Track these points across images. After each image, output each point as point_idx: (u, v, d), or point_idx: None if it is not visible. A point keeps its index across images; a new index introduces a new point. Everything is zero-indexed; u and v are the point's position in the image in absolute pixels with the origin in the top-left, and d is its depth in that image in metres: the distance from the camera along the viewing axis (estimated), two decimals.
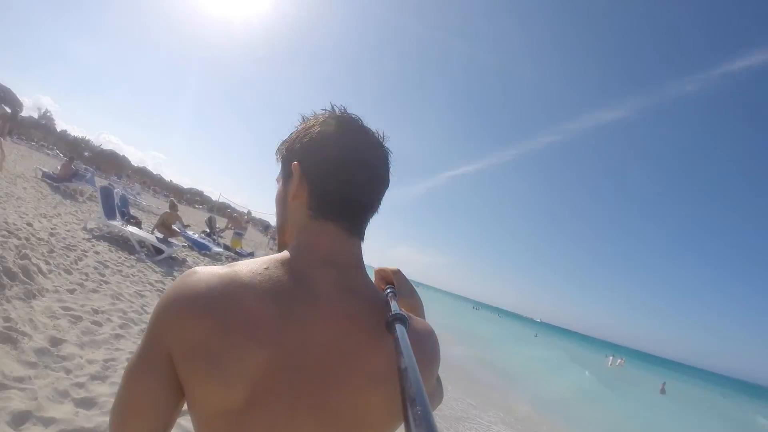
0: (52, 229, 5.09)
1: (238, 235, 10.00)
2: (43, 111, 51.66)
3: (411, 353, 0.32)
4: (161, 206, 15.86)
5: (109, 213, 6.30)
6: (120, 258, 5.04)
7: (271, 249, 23.68)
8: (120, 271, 4.44)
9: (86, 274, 3.84)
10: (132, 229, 6.08)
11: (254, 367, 0.39)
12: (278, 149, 0.54)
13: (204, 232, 9.38)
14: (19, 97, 20.36)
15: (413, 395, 0.27)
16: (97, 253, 4.82)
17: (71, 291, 3.28)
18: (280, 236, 0.55)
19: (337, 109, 0.52)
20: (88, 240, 5.35)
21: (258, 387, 0.40)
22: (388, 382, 0.41)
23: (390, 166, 0.52)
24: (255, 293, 0.41)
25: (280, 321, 0.41)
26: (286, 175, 0.52)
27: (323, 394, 0.41)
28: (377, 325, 0.43)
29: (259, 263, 0.45)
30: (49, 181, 9.73)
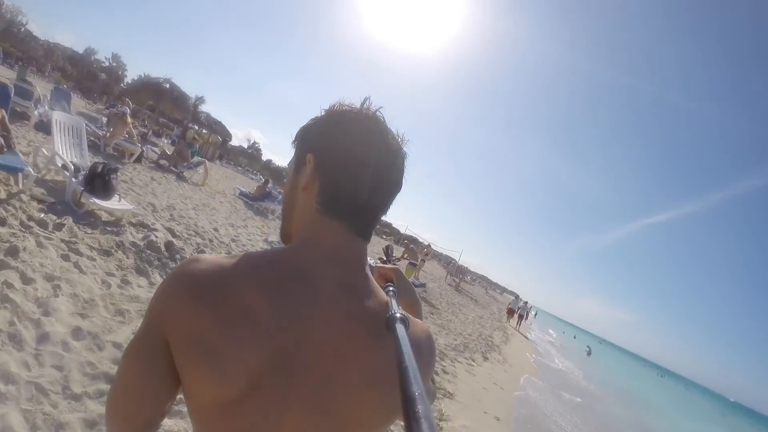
0: (235, 236, 8.18)
1: (412, 266, 12.28)
2: (251, 142, 78.96)
3: (411, 353, 0.48)
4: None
5: None
6: None
7: (449, 285, 25.92)
8: None
9: None
10: None
11: (251, 363, 0.61)
12: (296, 135, 0.82)
13: (380, 258, 12.27)
14: (231, 129, 30.71)
15: (413, 394, 0.39)
16: None
17: None
18: (284, 224, 0.85)
19: (363, 105, 0.78)
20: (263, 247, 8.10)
21: (254, 382, 0.62)
22: (385, 382, 0.65)
23: (405, 170, 0.79)
24: (256, 288, 0.64)
25: (280, 318, 0.63)
26: (298, 164, 0.79)
27: (319, 391, 0.65)
28: (378, 324, 0.66)
29: (262, 257, 0.70)
30: (244, 198, 14.43)
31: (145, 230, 5.70)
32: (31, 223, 4.46)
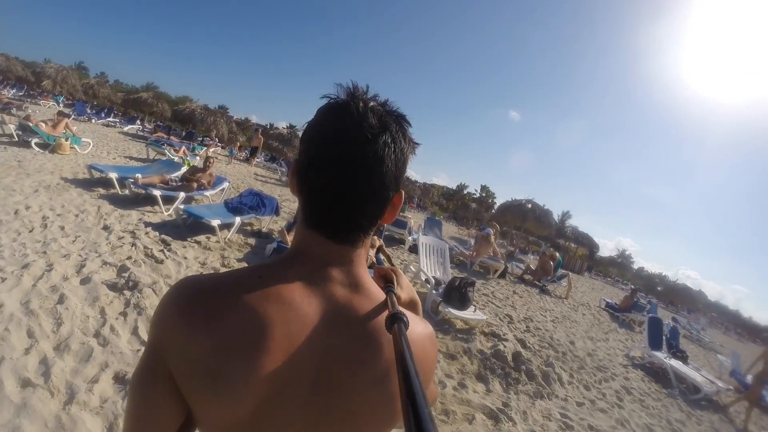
0: (592, 350, 7.52)
1: None
2: (621, 250, 72.95)
3: (410, 352, 0.50)
4: (728, 343, 16.23)
5: (655, 343, 8.10)
6: (649, 389, 6.42)
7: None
8: (642, 401, 5.75)
9: (603, 395, 5.44)
10: (674, 362, 7.37)
11: (256, 382, 0.61)
12: None
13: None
14: (600, 240, 30.27)
15: (413, 394, 0.41)
16: (626, 379, 6.50)
17: (579, 404, 4.91)
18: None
19: (346, 90, 0.71)
20: (624, 366, 7.24)
21: (261, 399, 0.62)
22: (389, 383, 0.66)
23: (398, 162, 0.69)
24: (251, 307, 0.62)
25: (278, 335, 0.62)
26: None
27: (326, 401, 0.64)
28: (377, 327, 0.67)
29: (253, 273, 0.68)
30: (610, 310, 13.39)
31: (496, 339, 5.72)
32: None
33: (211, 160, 9.01)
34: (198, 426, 0.68)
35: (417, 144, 0.74)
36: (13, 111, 15.10)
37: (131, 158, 12.81)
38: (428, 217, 15.71)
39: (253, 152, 22.01)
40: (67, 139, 10.15)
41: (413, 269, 7.52)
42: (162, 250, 5.28)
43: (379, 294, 0.74)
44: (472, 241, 15.32)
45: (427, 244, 7.74)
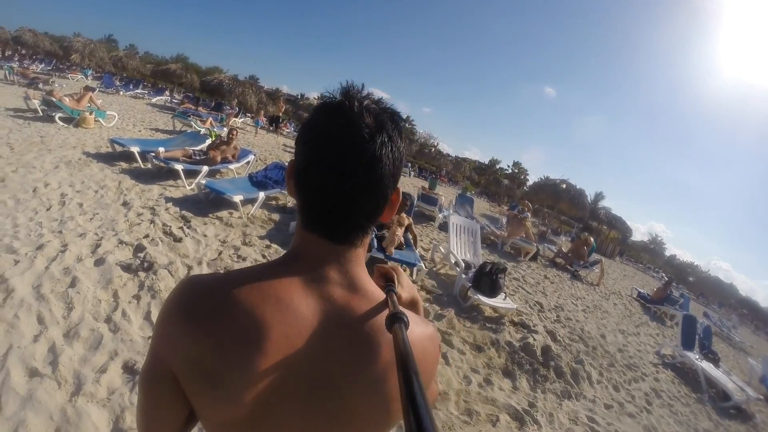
0: (623, 345, 7.24)
1: None
2: (654, 236, 71.06)
3: (411, 352, 0.50)
4: (758, 344, 15.68)
5: (687, 343, 7.76)
6: (679, 392, 6.14)
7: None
8: (670, 405, 5.49)
9: (632, 397, 5.20)
10: (706, 365, 7.04)
11: (255, 384, 0.61)
12: None
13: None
14: (632, 224, 29.30)
15: (413, 394, 0.42)
16: (656, 380, 6.22)
17: (608, 406, 4.69)
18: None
19: (344, 93, 0.70)
20: (655, 365, 6.95)
21: (261, 400, 0.63)
22: (386, 385, 0.66)
23: (395, 161, 0.68)
24: (249, 309, 0.63)
25: (275, 337, 0.62)
26: None
27: (324, 402, 0.65)
28: (375, 329, 0.67)
29: (252, 275, 0.68)
30: (642, 301, 12.97)
31: (525, 331, 5.51)
32: None
33: (235, 132, 8.81)
34: (201, 423, 0.70)
35: (412, 140, 0.68)
36: (40, 86, 15.11)
37: (157, 130, 12.75)
38: (459, 194, 15.34)
39: (274, 121, 21.68)
40: (91, 113, 10.15)
41: (442, 250, 7.30)
42: (181, 227, 5.20)
43: (378, 294, 0.73)
44: (504, 220, 15.00)
45: (458, 225, 7.46)
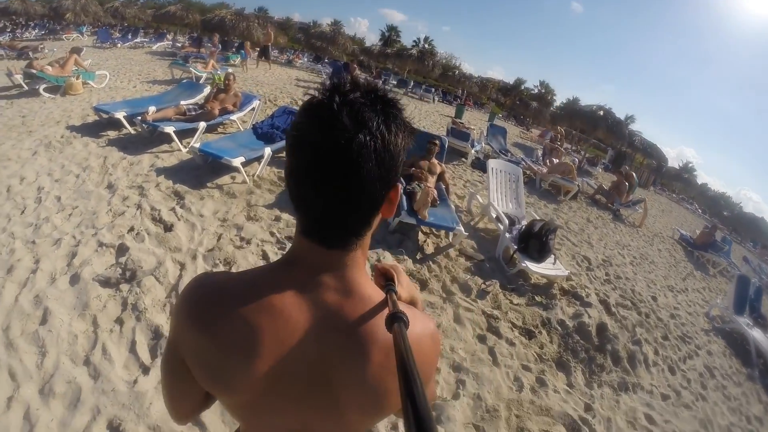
0: (674, 308, 6.57)
1: None
2: (684, 162, 66.95)
3: (410, 352, 0.49)
4: None
5: (738, 307, 7.05)
6: (731, 369, 5.54)
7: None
8: (724, 387, 4.89)
9: (688, 381, 4.60)
10: (757, 333, 6.39)
11: (253, 380, 0.67)
12: None
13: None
14: (663, 148, 27.31)
15: (413, 394, 0.41)
16: (709, 354, 5.60)
17: (665, 397, 4.09)
18: None
19: (325, 87, 0.64)
20: (706, 332, 6.32)
21: (261, 393, 0.68)
22: (378, 385, 0.67)
23: (383, 160, 0.62)
24: (246, 314, 0.66)
25: (268, 342, 0.66)
26: None
27: (320, 397, 0.69)
28: (369, 332, 0.67)
29: (253, 278, 0.71)
30: (684, 243, 12.19)
31: (578, 304, 4.81)
32: (454, 288, 4.20)
33: (232, 77, 7.70)
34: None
35: (412, 129, 0.69)
36: (31, 54, 13.64)
37: (155, 82, 11.52)
38: (490, 124, 14.09)
39: (264, 52, 19.27)
40: (78, 77, 8.98)
41: (480, 200, 6.44)
42: (173, 209, 4.44)
43: (375, 296, 0.73)
44: (539, 152, 14.03)
45: (497, 170, 6.47)
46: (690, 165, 66.68)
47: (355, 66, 17.84)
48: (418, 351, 0.64)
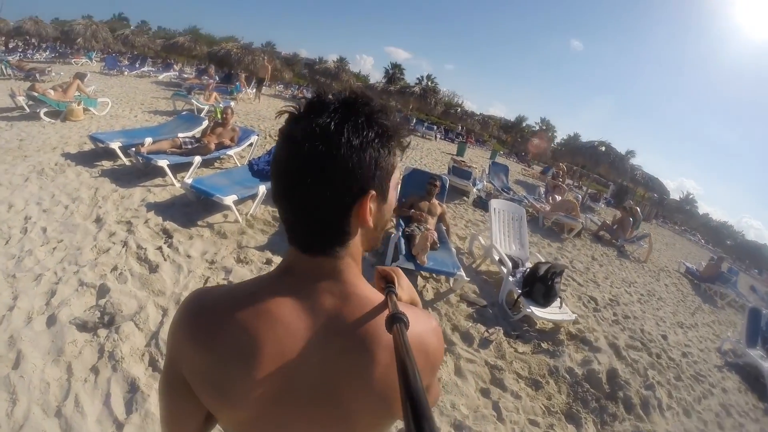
0: (685, 346, 6.40)
1: None
2: (685, 194, 66.97)
3: (410, 352, 0.49)
4: None
5: (751, 339, 6.88)
6: (747, 405, 5.38)
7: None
8: (741, 425, 4.71)
9: (705, 423, 4.39)
10: None
11: (254, 394, 0.65)
12: None
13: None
14: (664, 180, 27.51)
15: (413, 395, 0.40)
16: (724, 391, 5.43)
17: None
18: None
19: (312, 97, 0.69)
20: (719, 369, 6.13)
21: (264, 405, 0.66)
22: (385, 387, 0.66)
23: (344, 168, 0.63)
24: (245, 325, 0.66)
25: (269, 351, 0.65)
26: None
27: (326, 405, 0.67)
28: (370, 334, 0.67)
29: (247, 289, 0.71)
30: (690, 276, 12.03)
31: (586, 349, 4.64)
32: (455, 337, 4.06)
33: (230, 110, 7.65)
34: (218, 422, 0.78)
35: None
36: (38, 77, 13.93)
37: (157, 112, 11.60)
38: (493, 162, 14.10)
39: (259, 84, 19.38)
40: (79, 103, 9.07)
41: (482, 241, 6.35)
42: (160, 248, 4.31)
43: (374, 297, 0.73)
44: (542, 189, 14.01)
45: (500, 210, 6.36)
46: (691, 196, 66.91)
47: None
48: (423, 348, 0.71)
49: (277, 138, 0.70)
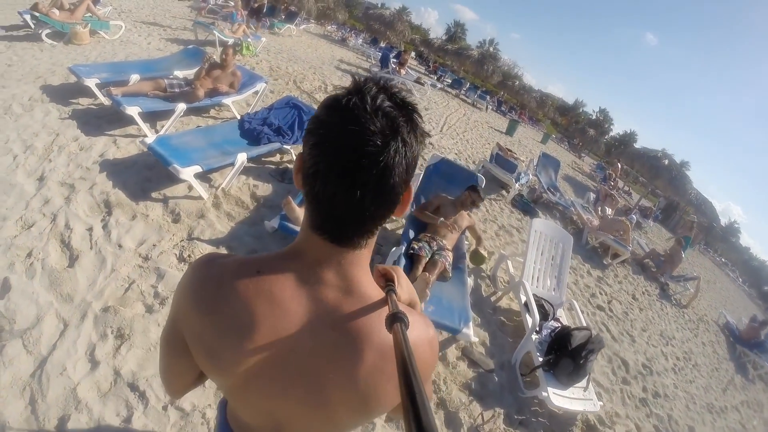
0: None
1: None
2: (731, 221, 64.76)
3: (411, 352, 0.50)
4: None
5: None
6: None
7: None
8: None
9: None
10: None
11: (245, 364, 0.72)
12: None
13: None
14: (710, 200, 25.29)
15: (414, 394, 0.41)
16: None
17: None
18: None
19: (350, 88, 0.66)
20: None
21: (251, 377, 0.73)
22: (367, 385, 0.71)
23: (408, 166, 0.66)
24: (245, 299, 0.70)
25: (264, 329, 0.70)
26: None
27: (308, 389, 0.72)
28: (364, 331, 0.70)
29: (253, 266, 0.74)
30: (728, 333, 10.98)
31: None
32: (437, 418, 3.03)
33: (230, 51, 6.20)
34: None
35: (429, 135, 0.72)
36: None
37: (176, 41, 10.04)
38: (543, 154, 12.40)
39: (254, 13, 15.31)
40: (86, 26, 7.88)
41: (511, 268, 5.09)
42: (91, 229, 3.31)
43: (374, 296, 0.74)
44: (592, 196, 12.56)
45: (542, 234, 5.01)
46: (736, 225, 63.71)
47: (408, 57, 16.09)
48: (417, 351, 0.64)
49: (328, 120, 0.65)
